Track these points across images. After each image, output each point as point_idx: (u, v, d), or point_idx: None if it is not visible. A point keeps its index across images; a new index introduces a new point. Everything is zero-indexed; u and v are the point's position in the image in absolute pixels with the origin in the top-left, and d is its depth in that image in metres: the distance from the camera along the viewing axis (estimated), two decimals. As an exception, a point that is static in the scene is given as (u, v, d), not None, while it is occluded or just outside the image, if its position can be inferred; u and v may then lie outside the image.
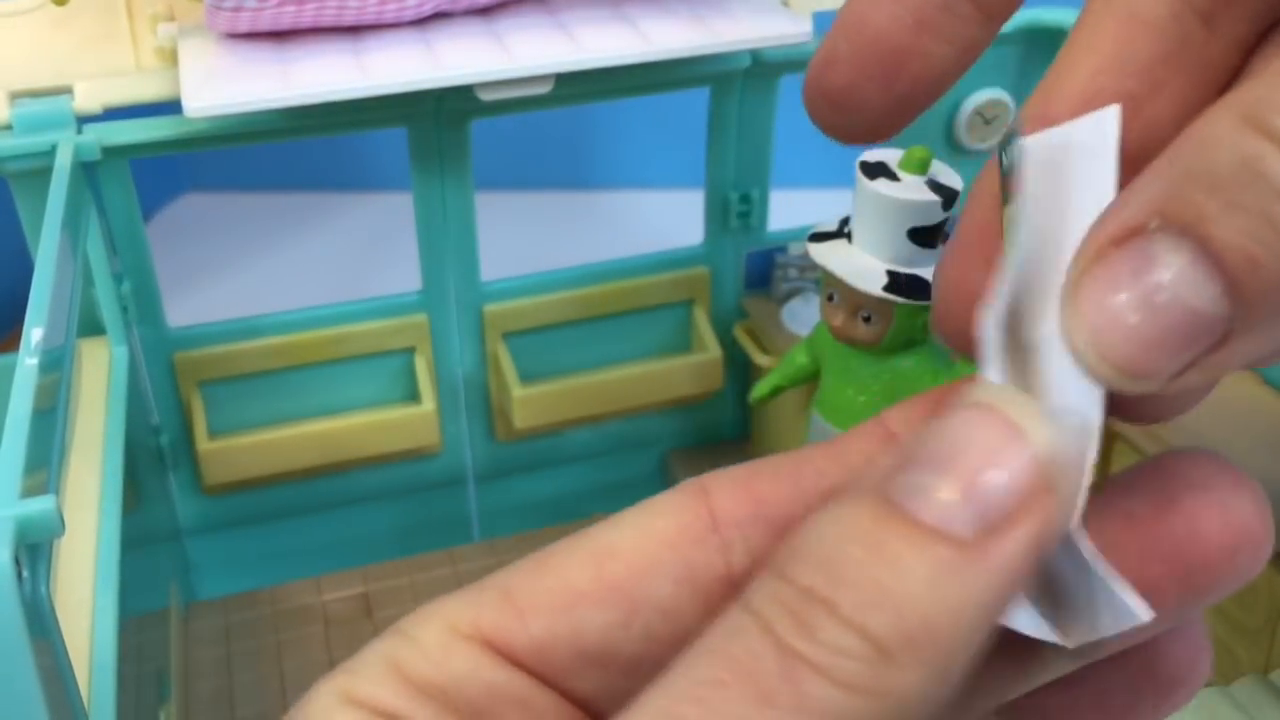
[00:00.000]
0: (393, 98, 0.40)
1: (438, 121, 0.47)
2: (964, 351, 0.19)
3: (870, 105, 0.19)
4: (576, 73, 0.42)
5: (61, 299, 0.33)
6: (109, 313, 0.45)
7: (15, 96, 0.42)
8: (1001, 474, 0.15)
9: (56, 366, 0.32)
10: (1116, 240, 0.16)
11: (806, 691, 0.14)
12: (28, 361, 0.29)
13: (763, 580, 0.16)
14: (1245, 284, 0.15)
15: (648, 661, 0.17)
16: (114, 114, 0.43)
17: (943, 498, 0.15)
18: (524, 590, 0.18)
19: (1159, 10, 0.18)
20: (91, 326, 0.45)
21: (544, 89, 0.42)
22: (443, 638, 0.18)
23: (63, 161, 0.40)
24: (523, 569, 0.18)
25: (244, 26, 0.41)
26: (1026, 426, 0.15)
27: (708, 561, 0.18)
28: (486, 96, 0.42)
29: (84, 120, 0.42)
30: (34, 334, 0.30)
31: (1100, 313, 0.16)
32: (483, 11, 0.44)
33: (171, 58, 0.43)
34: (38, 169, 0.41)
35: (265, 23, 0.41)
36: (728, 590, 0.18)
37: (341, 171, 0.86)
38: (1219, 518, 0.17)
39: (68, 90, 0.42)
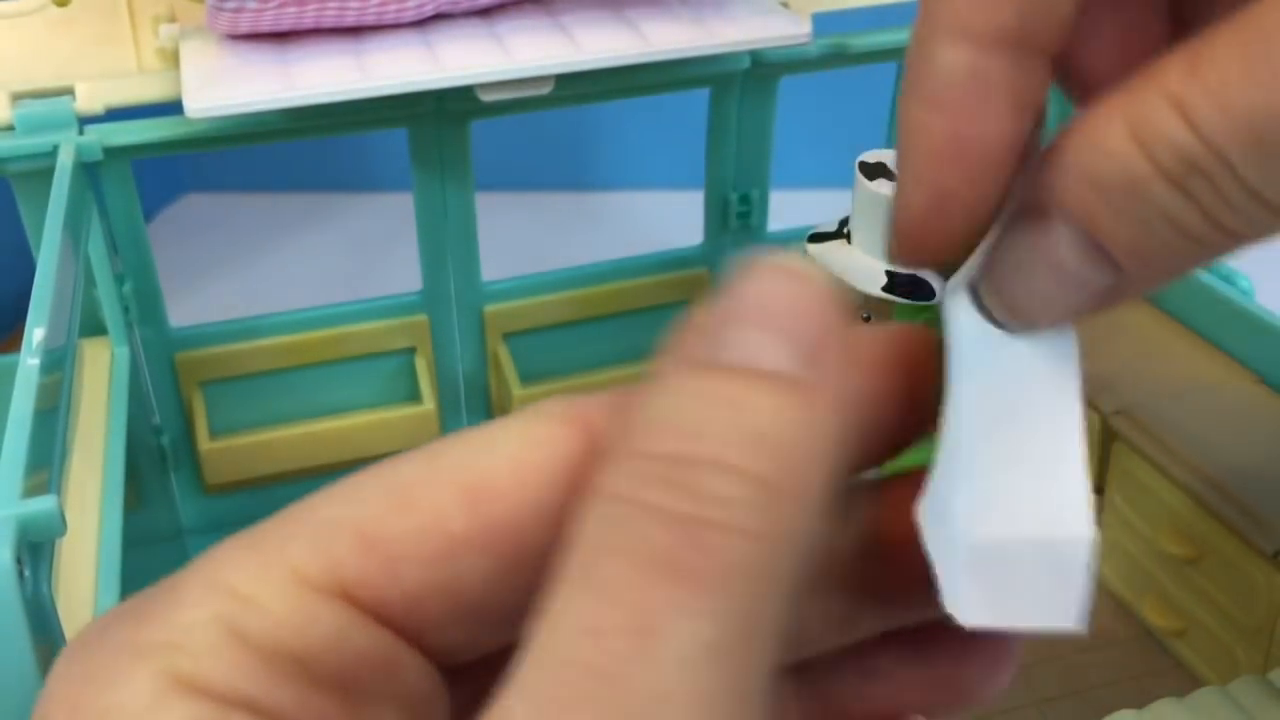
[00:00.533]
0: (393, 98, 0.40)
1: (438, 122, 0.47)
2: (930, 265, 0.19)
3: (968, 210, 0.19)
4: (576, 73, 0.42)
5: (63, 299, 0.33)
6: (110, 313, 0.45)
7: (17, 97, 0.42)
8: (807, 318, 0.15)
9: (58, 366, 0.32)
10: (1025, 214, 0.18)
11: (714, 551, 0.14)
12: (29, 361, 0.29)
13: (616, 466, 0.14)
14: (1129, 267, 0.17)
15: (520, 614, 0.15)
16: (116, 114, 0.43)
17: (763, 346, 0.15)
18: (389, 534, 0.15)
19: None
20: (93, 327, 0.45)
21: (544, 89, 0.42)
22: (294, 596, 0.15)
23: (64, 162, 0.40)
24: (374, 501, 0.16)
25: (245, 27, 0.41)
26: (814, 278, 0.16)
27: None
28: (487, 97, 0.42)
29: (86, 121, 0.42)
30: (36, 334, 0.30)
31: (1007, 274, 0.18)
32: (483, 12, 0.44)
33: (173, 59, 0.43)
34: (40, 169, 0.41)
35: (266, 24, 0.41)
36: None
37: (342, 172, 0.86)
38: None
39: (69, 91, 0.42)
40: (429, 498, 0.16)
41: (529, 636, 0.14)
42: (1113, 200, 0.17)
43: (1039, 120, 0.19)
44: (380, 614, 0.15)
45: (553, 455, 0.16)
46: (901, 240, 0.19)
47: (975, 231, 0.19)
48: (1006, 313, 0.18)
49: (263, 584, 0.15)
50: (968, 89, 0.18)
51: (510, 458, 0.16)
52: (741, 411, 0.14)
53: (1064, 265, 0.17)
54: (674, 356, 0.15)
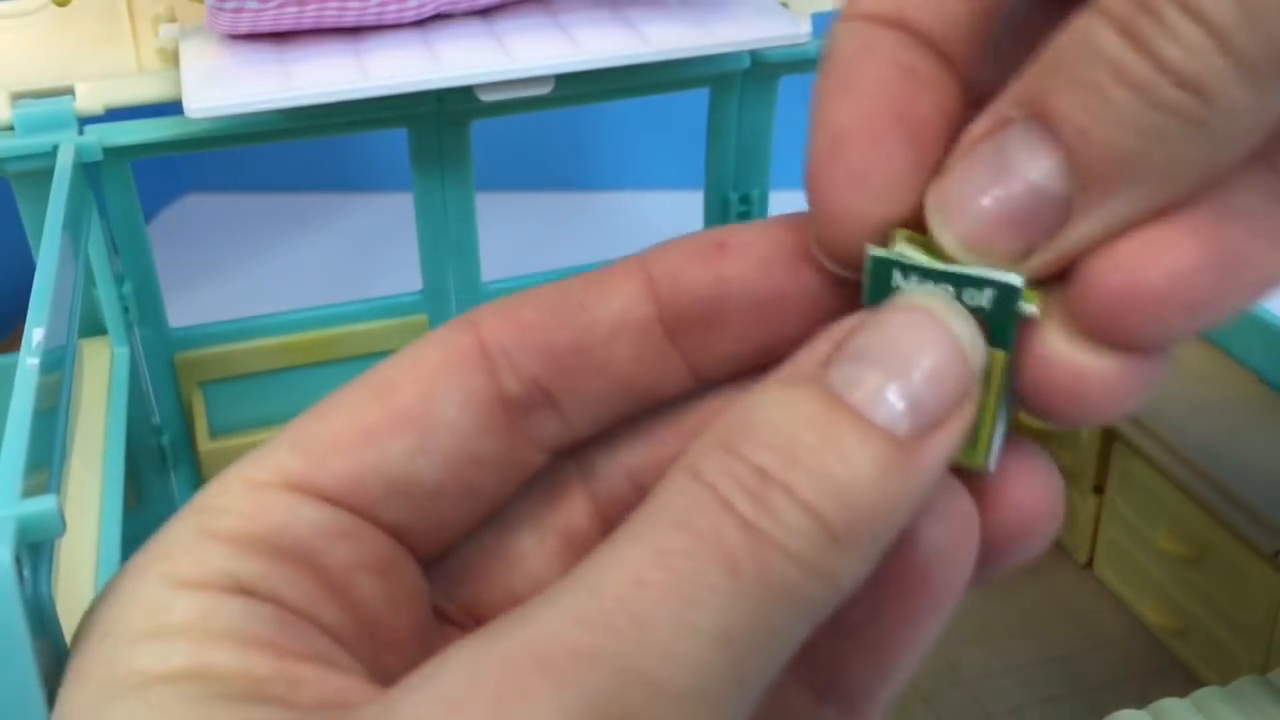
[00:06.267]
0: (393, 98, 0.40)
1: (438, 122, 0.47)
2: (847, 269, 0.19)
3: (900, 155, 0.18)
4: (576, 73, 0.42)
5: (63, 299, 0.33)
6: (110, 313, 0.45)
7: (17, 97, 0.42)
8: (937, 382, 0.16)
9: (58, 367, 0.32)
10: (983, 134, 0.17)
11: (767, 564, 0.15)
12: (29, 362, 0.29)
13: (711, 452, 0.16)
14: (1079, 155, 0.16)
15: (447, 485, 0.19)
16: (116, 114, 0.43)
17: (882, 395, 0.16)
18: (315, 436, 0.19)
19: None
20: (93, 327, 0.45)
21: (544, 89, 0.42)
22: (248, 495, 0.18)
23: (64, 162, 0.40)
24: (304, 421, 0.19)
25: (245, 27, 0.41)
26: (964, 342, 0.16)
27: (482, 383, 0.19)
28: (487, 97, 0.42)
29: (86, 121, 0.42)
30: (35, 334, 0.30)
31: (957, 191, 0.17)
32: (483, 12, 0.44)
33: (173, 58, 0.43)
34: (39, 170, 0.41)
35: (266, 24, 0.41)
36: (504, 409, 0.19)
37: (342, 172, 0.86)
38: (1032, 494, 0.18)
39: (69, 91, 0.42)
40: (344, 402, 0.19)
41: (587, 560, 0.16)
42: (1063, 69, 0.16)
43: (949, 112, 0.18)
44: (323, 495, 0.18)
45: (441, 351, 0.19)
46: (812, 207, 0.20)
47: (879, 202, 0.18)
48: (942, 228, 0.17)
49: (221, 495, 0.18)
50: (852, 57, 0.18)
51: (411, 358, 0.19)
52: (839, 460, 0.16)
53: (1012, 166, 0.16)
54: (804, 359, 0.17)
